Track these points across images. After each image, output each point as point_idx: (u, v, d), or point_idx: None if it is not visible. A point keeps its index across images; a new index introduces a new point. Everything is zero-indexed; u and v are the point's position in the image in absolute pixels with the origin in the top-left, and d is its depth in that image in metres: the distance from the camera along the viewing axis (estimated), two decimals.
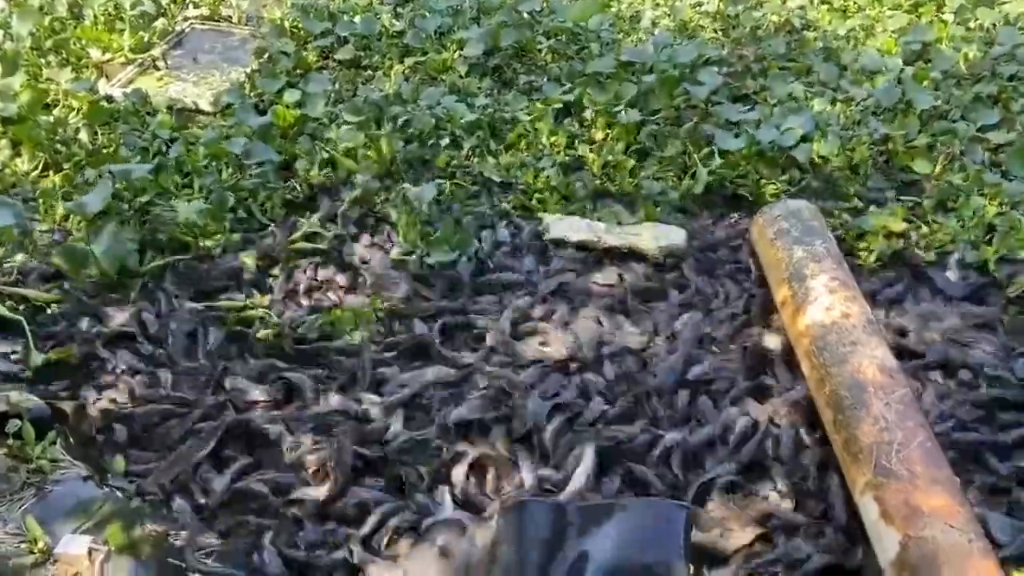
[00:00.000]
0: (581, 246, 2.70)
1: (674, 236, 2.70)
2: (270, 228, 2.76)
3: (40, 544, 1.72)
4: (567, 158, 3.08)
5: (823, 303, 2.21)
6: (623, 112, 3.20)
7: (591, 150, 3.11)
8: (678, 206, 2.92)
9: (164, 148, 3.07)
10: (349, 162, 3.00)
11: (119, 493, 1.88)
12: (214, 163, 2.96)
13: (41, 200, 2.81)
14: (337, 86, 3.51)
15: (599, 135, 3.19)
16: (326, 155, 3.02)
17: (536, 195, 2.93)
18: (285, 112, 3.16)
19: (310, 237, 2.71)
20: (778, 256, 2.46)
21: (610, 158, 3.07)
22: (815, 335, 2.16)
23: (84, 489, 1.85)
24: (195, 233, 2.65)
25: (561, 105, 3.33)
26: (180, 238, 2.65)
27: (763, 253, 2.58)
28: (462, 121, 3.18)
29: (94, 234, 2.55)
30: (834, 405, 2.01)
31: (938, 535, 1.67)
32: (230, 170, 2.94)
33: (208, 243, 2.64)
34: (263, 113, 3.23)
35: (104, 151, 3.00)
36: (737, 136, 3.06)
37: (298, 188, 2.92)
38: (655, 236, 2.69)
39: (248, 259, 2.58)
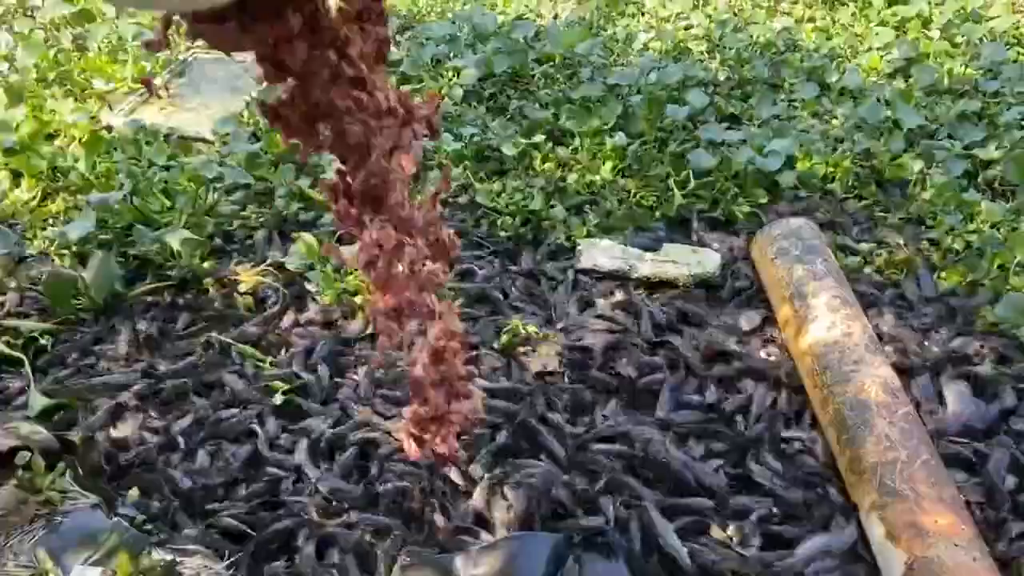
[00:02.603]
0: (611, 276, 2.64)
1: (707, 262, 2.64)
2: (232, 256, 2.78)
3: None
4: (553, 182, 3.10)
5: (824, 322, 2.24)
6: (610, 135, 3.24)
7: (577, 173, 3.15)
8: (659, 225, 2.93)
9: (156, 176, 3.10)
10: (319, 195, 3.02)
11: (127, 523, 1.89)
12: (196, 189, 2.99)
13: (29, 228, 2.88)
14: None
15: (586, 158, 3.23)
16: (295, 189, 3.03)
17: (510, 219, 2.92)
18: (277, 140, 3.19)
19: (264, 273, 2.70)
20: (778, 275, 2.48)
21: (596, 178, 3.10)
22: (817, 354, 2.18)
23: (94, 520, 1.85)
24: (175, 258, 2.68)
25: (549, 130, 3.36)
26: (162, 264, 2.69)
27: (764, 272, 2.61)
28: (448, 151, 3.21)
29: (81, 262, 2.61)
30: (837, 425, 2.03)
31: (943, 554, 1.68)
32: (214, 196, 2.98)
33: (189, 270, 2.67)
34: (259, 141, 3.27)
35: (100, 180, 3.04)
36: (719, 158, 3.08)
37: (267, 218, 2.95)
38: (687, 263, 2.63)
39: (210, 287, 2.62)
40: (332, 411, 2.19)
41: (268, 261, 2.71)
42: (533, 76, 3.84)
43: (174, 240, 2.64)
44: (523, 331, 2.39)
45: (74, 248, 2.71)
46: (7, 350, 2.36)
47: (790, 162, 3.13)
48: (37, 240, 2.83)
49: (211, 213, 2.91)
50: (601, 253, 2.69)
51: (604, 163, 3.16)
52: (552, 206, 2.96)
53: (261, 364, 2.35)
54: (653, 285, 2.65)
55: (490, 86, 3.75)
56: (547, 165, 3.20)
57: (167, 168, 3.15)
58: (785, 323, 2.40)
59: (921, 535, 1.72)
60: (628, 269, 2.64)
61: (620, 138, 3.20)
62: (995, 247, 2.70)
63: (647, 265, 2.64)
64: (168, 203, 2.93)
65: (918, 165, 3.13)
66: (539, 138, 3.29)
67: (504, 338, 2.38)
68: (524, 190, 3.05)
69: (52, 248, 2.76)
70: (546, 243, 2.83)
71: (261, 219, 2.94)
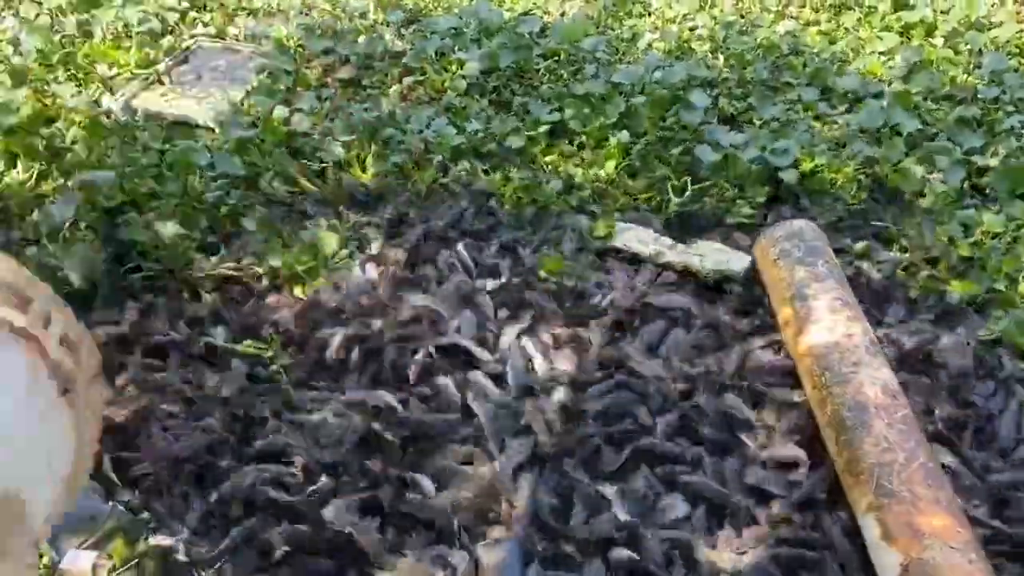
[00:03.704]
0: (636, 258, 2.73)
1: (735, 262, 2.67)
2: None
3: (45, 559, 1.71)
4: (557, 177, 3.10)
5: (825, 323, 2.24)
6: (613, 132, 3.24)
7: (580, 169, 3.15)
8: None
9: (146, 161, 3.08)
10: (306, 183, 3.03)
11: (123, 507, 1.88)
12: (186, 176, 2.98)
13: (19, 208, 2.87)
14: (332, 104, 3.54)
15: (588, 155, 3.22)
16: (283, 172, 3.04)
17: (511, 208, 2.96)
18: (276, 127, 3.18)
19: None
20: (780, 276, 2.48)
21: (601, 173, 3.10)
22: (817, 355, 2.18)
23: (89, 504, 1.84)
24: (164, 245, 2.67)
25: (551, 126, 3.36)
26: (151, 250, 2.68)
27: (766, 274, 2.61)
28: (449, 144, 3.21)
29: (64, 249, 2.58)
30: (836, 425, 2.03)
31: (939, 556, 1.69)
32: (202, 181, 2.97)
33: (177, 255, 2.67)
34: (257, 128, 3.26)
35: (95, 163, 3.02)
36: (724, 158, 3.09)
37: (251, 203, 2.95)
38: (714, 260, 2.67)
39: (189, 277, 2.62)
40: None
41: (244, 256, 2.70)
42: (537, 71, 3.83)
43: (164, 229, 2.64)
44: None
45: (63, 232, 2.69)
46: None
47: (793, 162, 3.13)
48: (27, 220, 2.81)
49: (200, 200, 2.89)
50: (633, 236, 2.78)
51: (607, 161, 3.16)
52: (562, 197, 2.98)
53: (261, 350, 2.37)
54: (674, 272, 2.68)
55: (494, 80, 3.74)
56: (549, 158, 3.20)
57: (162, 154, 3.14)
58: (786, 324, 2.40)
59: (917, 537, 1.73)
60: (654, 255, 2.71)
61: (624, 136, 3.20)
62: (998, 256, 2.71)
63: (673, 253, 2.71)
64: (159, 187, 2.92)
65: (919, 171, 3.13)
66: (543, 129, 3.30)
67: None
68: (529, 182, 3.05)
69: (44, 230, 2.75)
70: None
71: (246, 203, 2.95)
